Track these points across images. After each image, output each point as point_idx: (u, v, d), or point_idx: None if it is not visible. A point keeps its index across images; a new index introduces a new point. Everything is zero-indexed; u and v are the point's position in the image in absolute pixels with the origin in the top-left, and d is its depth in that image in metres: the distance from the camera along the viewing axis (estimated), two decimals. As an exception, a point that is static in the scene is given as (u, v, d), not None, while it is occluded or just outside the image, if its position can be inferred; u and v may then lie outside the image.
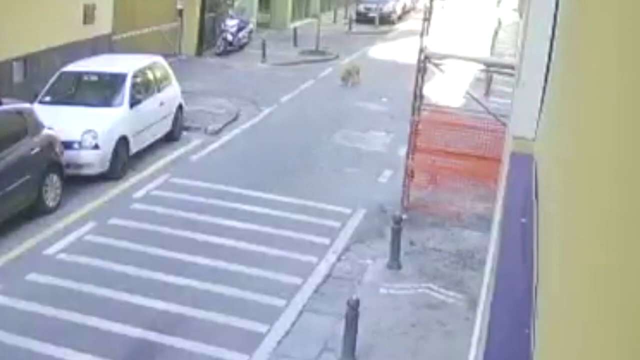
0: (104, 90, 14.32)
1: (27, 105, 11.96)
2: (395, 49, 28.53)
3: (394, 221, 10.40)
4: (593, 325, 1.31)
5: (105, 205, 12.01)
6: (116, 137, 13.02)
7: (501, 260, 3.04)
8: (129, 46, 19.77)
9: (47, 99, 13.70)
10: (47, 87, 14.02)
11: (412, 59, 12.83)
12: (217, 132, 16.35)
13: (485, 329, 2.97)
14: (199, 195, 12.51)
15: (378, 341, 8.47)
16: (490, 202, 10.72)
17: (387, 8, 37.10)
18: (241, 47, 26.26)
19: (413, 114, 12.37)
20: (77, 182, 12.41)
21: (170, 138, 15.38)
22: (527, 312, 2.35)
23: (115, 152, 12.97)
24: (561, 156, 2.36)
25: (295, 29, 28.85)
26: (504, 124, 10.45)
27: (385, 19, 36.41)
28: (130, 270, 9.80)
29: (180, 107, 15.90)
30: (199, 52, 24.49)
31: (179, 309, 8.91)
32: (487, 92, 19.27)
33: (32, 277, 9.51)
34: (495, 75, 17.64)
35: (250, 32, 27.39)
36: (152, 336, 8.37)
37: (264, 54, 24.61)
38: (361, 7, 37.00)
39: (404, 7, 40.76)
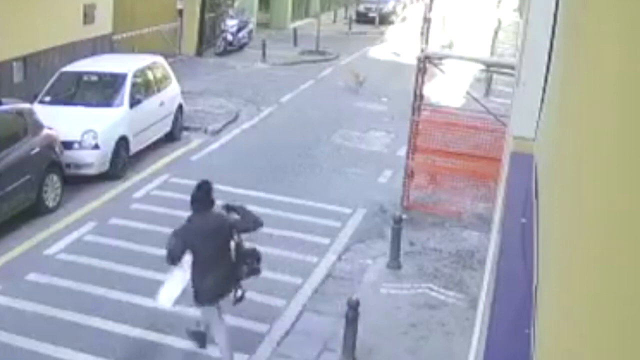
0: (104, 90, 14.31)
1: (27, 105, 11.96)
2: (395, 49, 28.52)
3: (394, 221, 10.39)
4: (593, 325, 1.31)
5: (105, 205, 12.00)
6: (116, 137, 13.02)
7: (501, 260, 3.04)
8: (129, 46, 19.78)
9: (47, 99, 13.70)
10: (47, 87, 14.01)
11: (412, 59, 12.83)
12: (217, 132, 16.35)
13: (485, 329, 2.97)
14: (199, 195, 12.49)
15: (378, 341, 8.47)
16: (490, 202, 10.73)
17: (387, 8, 37.12)
18: (241, 47, 26.26)
19: (413, 114, 12.37)
20: (77, 182, 12.41)
21: (170, 138, 15.38)
22: (527, 312, 2.35)
23: (115, 152, 12.97)
24: (561, 156, 2.35)
25: (295, 29, 28.85)
26: (504, 124, 10.45)
27: (385, 19, 36.41)
28: (131, 270, 9.79)
29: (180, 107, 15.90)
30: (199, 52, 24.49)
31: (179, 309, 8.89)
32: (487, 92, 19.26)
33: (32, 277, 9.50)
34: (495, 75, 17.65)
35: (250, 32, 27.39)
36: (152, 336, 8.37)
37: (263, 54, 24.60)
38: (361, 7, 37.01)
39: (404, 7, 40.79)
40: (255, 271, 7.76)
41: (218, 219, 7.49)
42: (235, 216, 7.56)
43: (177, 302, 7.61)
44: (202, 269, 7.28)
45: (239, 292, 7.56)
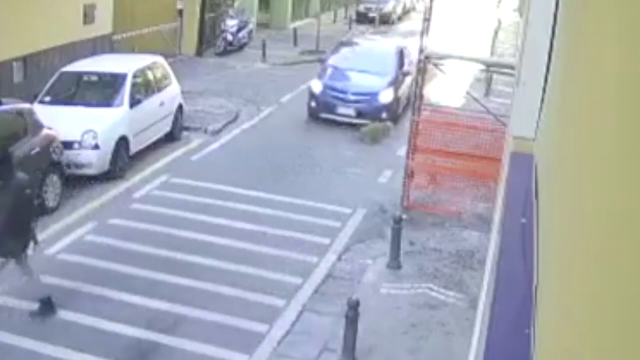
0: (104, 90, 14.30)
1: (27, 105, 11.96)
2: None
3: (394, 221, 10.39)
4: (593, 325, 1.31)
5: (105, 205, 12.00)
6: (116, 137, 13.02)
7: (501, 260, 3.04)
8: (129, 46, 19.78)
9: (47, 99, 13.69)
10: (47, 87, 14.00)
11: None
12: (217, 132, 16.35)
13: (485, 329, 2.97)
14: (199, 195, 12.51)
15: (378, 341, 8.47)
16: (490, 202, 10.73)
17: (387, 8, 37.09)
18: (241, 47, 26.25)
19: (413, 114, 12.38)
20: (77, 182, 12.41)
21: (171, 138, 15.37)
22: (527, 312, 2.35)
23: (115, 152, 12.95)
24: (561, 156, 2.36)
25: (295, 29, 28.84)
26: (504, 124, 10.45)
27: (385, 19, 36.40)
28: (130, 270, 9.79)
29: (180, 107, 15.89)
30: (199, 52, 24.48)
31: (179, 309, 8.91)
32: (487, 92, 19.26)
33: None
34: (495, 75, 17.65)
35: (250, 32, 27.38)
36: (152, 336, 8.37)
37: (263, 54, 24.60)
38: (361, 7, 36.99)
39: (404, 7, 40.77)
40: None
41: (21, 179, 8.44)
42: None
43: None
44: (11, 223, 8.11)
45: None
